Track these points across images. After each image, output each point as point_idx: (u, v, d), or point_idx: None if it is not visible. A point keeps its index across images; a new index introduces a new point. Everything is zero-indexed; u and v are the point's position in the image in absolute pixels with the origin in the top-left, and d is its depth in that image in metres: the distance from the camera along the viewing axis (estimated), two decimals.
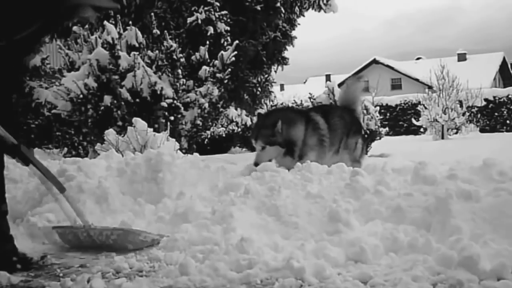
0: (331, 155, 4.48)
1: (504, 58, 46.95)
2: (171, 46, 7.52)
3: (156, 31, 8.06)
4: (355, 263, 2.36)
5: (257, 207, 2.96)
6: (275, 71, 13.01)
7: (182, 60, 7.75)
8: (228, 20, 10.42)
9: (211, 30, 10.03)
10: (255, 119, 6.25)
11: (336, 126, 4.53)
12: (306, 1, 12.63)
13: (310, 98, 8.25)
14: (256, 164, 4.03)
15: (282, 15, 11.99)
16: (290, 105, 14.56)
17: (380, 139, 8.94)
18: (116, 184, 3.57)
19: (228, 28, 10.27)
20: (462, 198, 2.67)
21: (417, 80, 39.10)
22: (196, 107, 7.66)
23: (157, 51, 7.61)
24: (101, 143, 5.51)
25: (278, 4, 11.65)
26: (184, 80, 7.68)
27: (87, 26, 7.64)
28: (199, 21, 10.12)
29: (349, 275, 2.20)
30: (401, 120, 22.76)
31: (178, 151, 5.03)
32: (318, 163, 3.90)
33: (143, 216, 3.27)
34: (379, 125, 8.75)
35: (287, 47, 12.85)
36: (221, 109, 8.72)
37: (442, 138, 15.38)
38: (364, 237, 2.50)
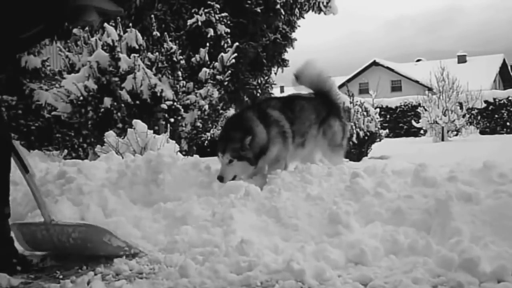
0: (297, 147, 4.08)
1: (504, 60, 46.89)
2: (171, 48, 7.52)
3: (156, 33, 8.06)
4: (355, 265, 2.36)
5: (257, 209, 2.95)
6: (275, 73, 13.06)
7: (182, 62, 7.75)
8: (228, 22, 10.44)
9: (211, 32, 10.04)
10: None
11: (299, 116, 4.11)
12: (306, 3, 12.67)
13: None
14: (221, 178, 3.59)
15: (282, 17, 12.02)
16: None
17: (380, 141, 8.97)
18: (116, 186, 3.57)
19: (228, 30, 10.29)
20: (462, 200, 2.67)
21: (417, 82, 39.09)
22: (196, 109, 7.66)
23: (157, 53, 7.61)
24: (101, 145, 5.51)
25: (278, 6, 11.68)
26: (184, 82, 7.68)
27: (87, 28, 7.64)
28: (199, 23, 10.14)
29: (349, 277, 2.20)
30: (401, 122, 22.78)
31: (178, 153, 5.03)
32: (282, 155, 3.82)
33: (142, 218, 3.26)
34: (379, 127, 8.78)
35: (287, 49, 12.90)
36: (221, 111, 8.72)
37: (442, 140, 15.39)
38: (364, 239, 2.49)
